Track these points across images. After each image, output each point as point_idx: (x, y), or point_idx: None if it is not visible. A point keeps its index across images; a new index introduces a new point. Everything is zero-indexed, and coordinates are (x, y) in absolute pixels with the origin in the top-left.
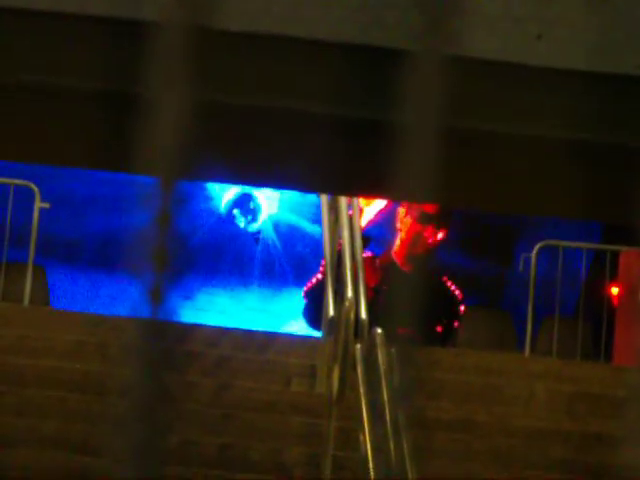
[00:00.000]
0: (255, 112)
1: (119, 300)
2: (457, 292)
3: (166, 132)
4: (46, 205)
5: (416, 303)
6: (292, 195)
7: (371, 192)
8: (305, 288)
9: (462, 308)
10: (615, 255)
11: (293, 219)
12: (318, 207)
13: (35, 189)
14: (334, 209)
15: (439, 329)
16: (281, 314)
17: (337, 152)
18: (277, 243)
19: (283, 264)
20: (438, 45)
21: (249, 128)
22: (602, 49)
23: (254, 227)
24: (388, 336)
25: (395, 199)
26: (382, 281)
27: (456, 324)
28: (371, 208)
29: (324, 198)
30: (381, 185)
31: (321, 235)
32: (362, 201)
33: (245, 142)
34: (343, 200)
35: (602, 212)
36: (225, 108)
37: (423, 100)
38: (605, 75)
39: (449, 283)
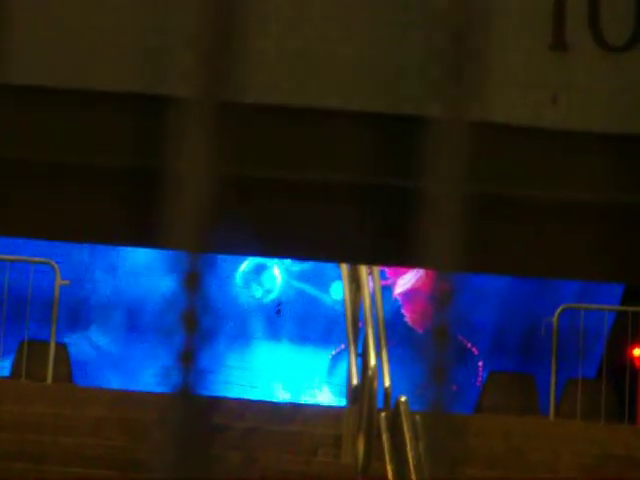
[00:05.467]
0: (273, 184)
1: (144, 374)
2: (473, 349)
3: (191, 205)
4: (66, 282)
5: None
6: (308, 265)
7: (396, 261)
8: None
9: (480, 364)
10: (637, 316)
11: (309, 289)
12: (335, 276)
13: (56, 267)
14: (355, 279)
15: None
16: (306, 383)
17: (359, 221)
18: (295, 314)
19: (303, 334)
20: (460, 111)
21: (267, 200)
22: (616, 110)
23: (270, 297)
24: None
25: (420, 267)
26: None
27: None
28: (405, 279)
29: (344, 268)
30: (406, 254)
31: (342, 304)
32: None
33: (264, 214)
34: (364, 269)
35: (626, 274)
36: (244, 181)
37: (446, 166)
38: (621, 136)
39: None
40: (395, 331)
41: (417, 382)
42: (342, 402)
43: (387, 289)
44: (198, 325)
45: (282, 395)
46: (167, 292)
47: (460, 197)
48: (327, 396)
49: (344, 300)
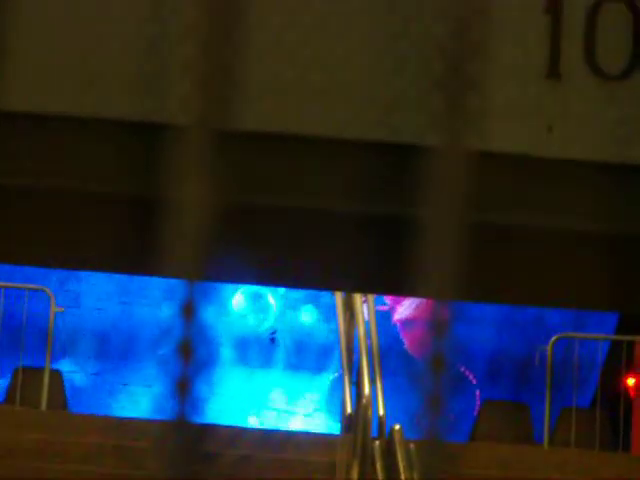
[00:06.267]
0: (269, 212)
1: (138, 401)
2: (472, 378)
3: (189, 233)
4: (60, 309)
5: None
6: (302, 293)
7: (392, 290)
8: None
9: (478, 393)
10: (631, 345)
11: (304, 317)
12: (328, 305)
13: (50, 294)
14: (349, 307)
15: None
16: (299, 410)
17: (358, 249)
18: (289, 342)
19: (297, 362)
20: (458, 140)
21: (264, 228)
22: (612, 140)
23: (266, 326)
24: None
25: (417, 296)
26: None
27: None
28: (404, 305)
29: (339, 296)
30: (403, 282)
31: (335, 332)
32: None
33: (261, 241)
34: (358, 298)
35: (620, 302)
36: (241, 208)
37: (445, 195)
38: (617, 165)
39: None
40: (393, 358)
41: (414, 410)
42: (336, 429)
43: (386, 315)
44: (194, 353)
45: (274, 422)
46: (163, 320)
47: (458, 226)
48: (322, 423)
49: (338, 328)
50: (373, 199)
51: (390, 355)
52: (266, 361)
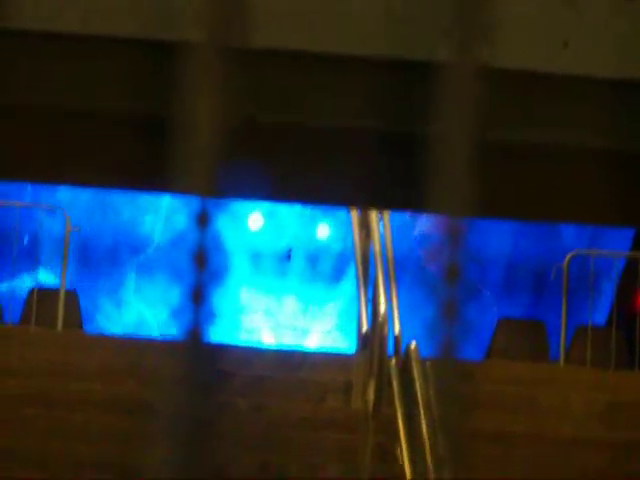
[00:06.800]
0: (285, 128)
1: (152, 320)
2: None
3: (199, 150)
4: (76, 229)
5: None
6: (318, 210)
7: (406, 206)
8: None
9: (494, 309)
10: None
11: (319, 234)
12: (344, 221)
13: (65, 213)
14: (365, 225)
15: None
16: (316, 328)
17: (372, 166)
18: (305, 259)
19: (313, 279)
20: (470, 56)
21: (280, 145)
22: (628, 56)
23: (282, 243)
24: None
25: (430, 212)
26: None
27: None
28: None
29: (354, 214)
30: (416, 199)
31: (352, 249)
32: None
33: (276, 159)
34: (374, 215)
35: (633, 218)
36: (256, 126)
37: (457, 112)
38: (633, 82)
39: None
40: (411, 272)
41: (430, 326)
42: (352, 346)
43: (405, 229)
44: (208, 266)
45: (290, 340)
46: (176, 234)
47: (470, 143)
48: (338, 339)
49: (354, 246)
50: (386, 116)
51: (408, 269)
52: (282, 277)
